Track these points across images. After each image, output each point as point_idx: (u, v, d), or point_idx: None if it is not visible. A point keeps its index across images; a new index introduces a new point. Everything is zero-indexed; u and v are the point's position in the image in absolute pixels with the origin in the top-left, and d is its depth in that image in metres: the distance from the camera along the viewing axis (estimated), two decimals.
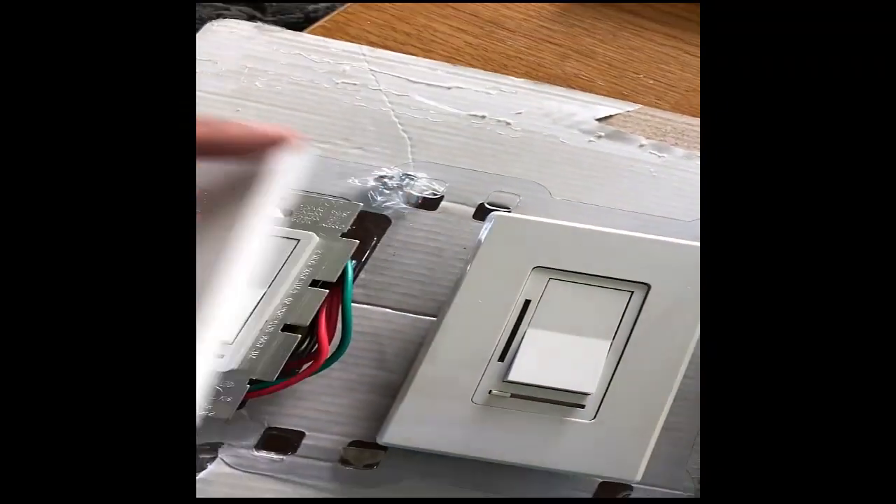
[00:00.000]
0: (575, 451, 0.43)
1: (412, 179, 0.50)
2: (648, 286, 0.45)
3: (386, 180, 0.50)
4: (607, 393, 0.44)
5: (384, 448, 0.44)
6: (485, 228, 0.46)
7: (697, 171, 0.52)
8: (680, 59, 0.60)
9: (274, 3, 0.70)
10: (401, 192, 0.50)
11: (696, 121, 0.55)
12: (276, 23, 0.67)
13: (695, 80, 0.59)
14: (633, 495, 0.45)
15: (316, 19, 0.62)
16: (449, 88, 0.54)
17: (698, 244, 0.45)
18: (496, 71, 0.57)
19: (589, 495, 0.45)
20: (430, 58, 0.56)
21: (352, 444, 0.45)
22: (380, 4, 0.59)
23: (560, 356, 0.44)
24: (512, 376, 0.43)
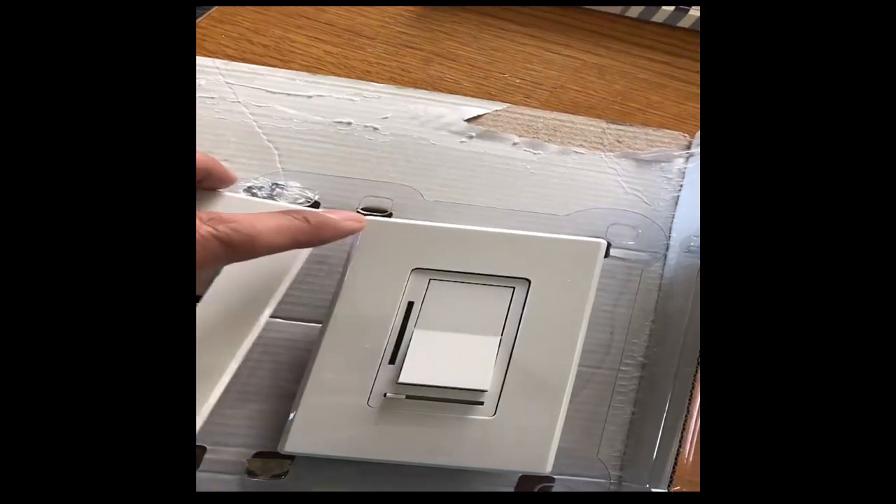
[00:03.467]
0: (480, 447, 0.44)
1: (282, 188, 0.50)
2: (529, 281, 0.47)
3: (255, 190, 0.50)
4: (504, 389, 0.45)
5: (290, 457, 0.45)
6: (357, 234, 0.47)
7: (573, 165, 0.54)
8: (543, 57, 0.62)
9: None
10: (273, 202, 0.50)
11: (567, 116, 0.56)
12: None
13: (560, 77, 0.61)
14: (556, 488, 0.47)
15: None
16: (310, 97, 0.54)
17: (574, 237, 0.47)
18: (360, 78, 0.58)
19: (510, 489, 0.47)
20: (291, 68, 0.56)
21: (256, 455, 0.46)
22: (233, 18, 0.59)
23: (451, 355, 0.45)
24: (403, 378, 0.44)
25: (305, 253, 0.45)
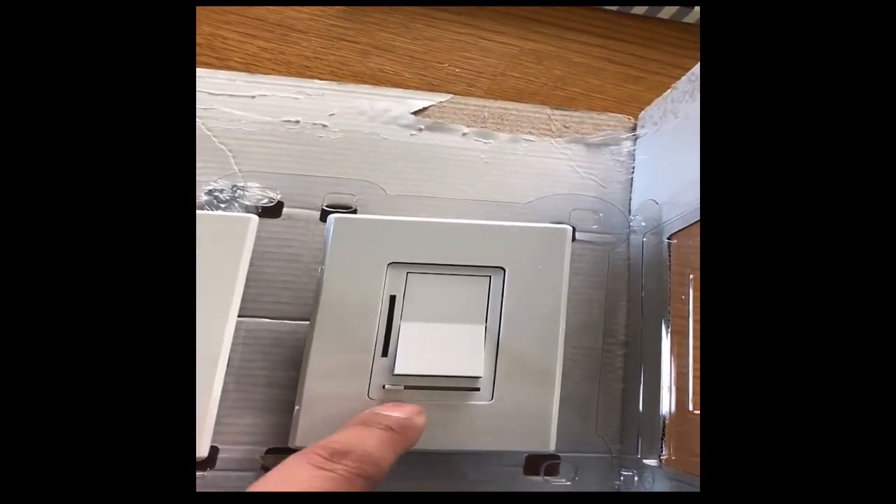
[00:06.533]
0: (483, 430, 0.46)
1: (243, 190, 0.50)
2: (503, 269, 0.48)
3: (217, 194, 0.50)
4: (497, 373, 0.47)
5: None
6: (327, 232, 0.48)
7: (525, 153, 0.56)
8: (479, 45, 0.63)
9: None
10: (236, 204, 0.50)
11: (512, 104, 0.58)
12: None
13: (500, 65, 0.63)
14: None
15: None
16: (253, 97, 0.54)
17: (541, 224, 0.49)
18: (299, 74, 0.58)
19: (519, 467, 0.50)
20: (228, 66, 0.56)
21: (268, 451, 0.47)
22: None
23: (440, 345, 0.47)
24: (398, 370, 0.45)
25: (255, 224, 0.47)
